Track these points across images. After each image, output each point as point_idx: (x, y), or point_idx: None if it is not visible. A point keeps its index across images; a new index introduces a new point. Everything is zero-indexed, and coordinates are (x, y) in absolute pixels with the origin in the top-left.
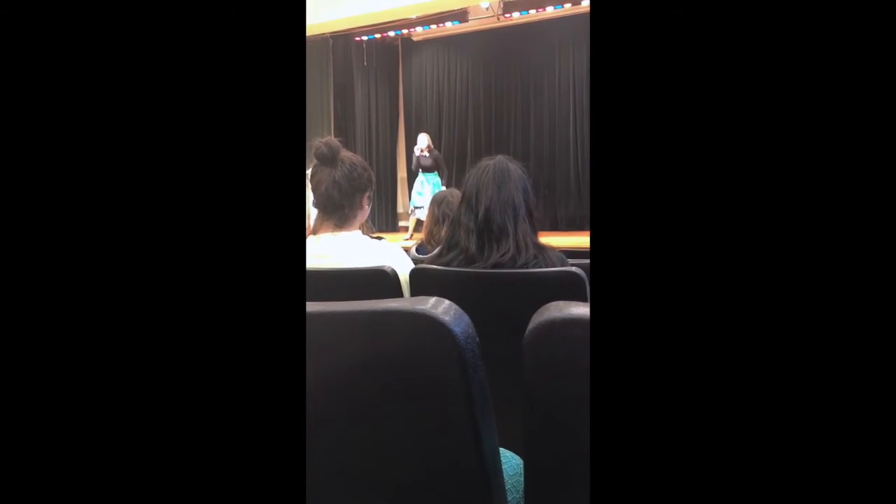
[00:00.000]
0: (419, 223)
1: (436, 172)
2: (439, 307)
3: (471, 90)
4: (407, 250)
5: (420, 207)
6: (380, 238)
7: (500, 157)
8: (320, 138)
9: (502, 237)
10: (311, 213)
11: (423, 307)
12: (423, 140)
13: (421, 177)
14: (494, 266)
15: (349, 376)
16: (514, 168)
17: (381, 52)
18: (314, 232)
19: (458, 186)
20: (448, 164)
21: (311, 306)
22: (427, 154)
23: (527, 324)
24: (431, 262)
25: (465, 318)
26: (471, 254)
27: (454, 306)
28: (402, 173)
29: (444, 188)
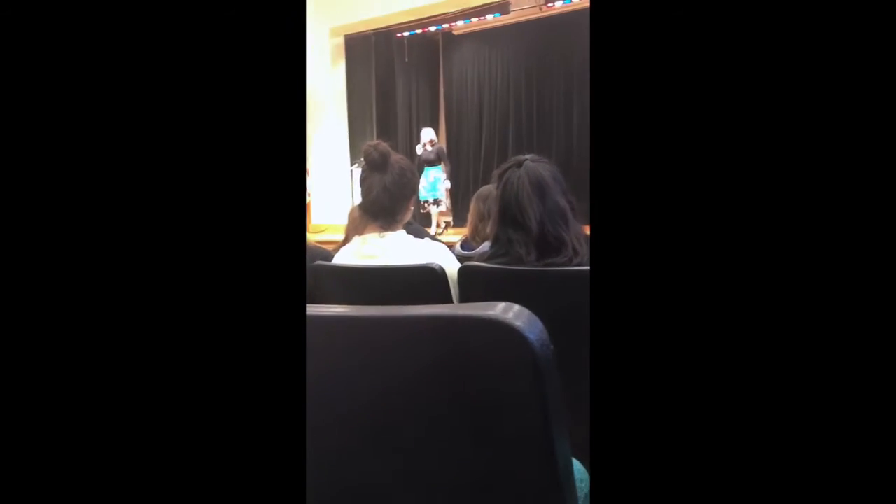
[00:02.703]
0: (437, 215)
1: (439, 166)
2: (509, 312)
3: (512, 83)
4: (451, 246)
5: (428, 201)
6: (435, 237)
7: (526, 164)
8: (370, 142)
9: (561, 247)
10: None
11: (492, 313)
12: (427, 135)
13: (426, 171)
14: (547, 265)
15: (413, 384)
16: (545, 169)
17: (422, 47)
18: (360, 232)
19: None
20: (489, 159)
21: (372, 310)
22: (430, 148)
23: (577, 322)
24: (480, 261)
25: (538, 323)
26: (529, 262)
27: (525, 311)
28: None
29: (447, 180)
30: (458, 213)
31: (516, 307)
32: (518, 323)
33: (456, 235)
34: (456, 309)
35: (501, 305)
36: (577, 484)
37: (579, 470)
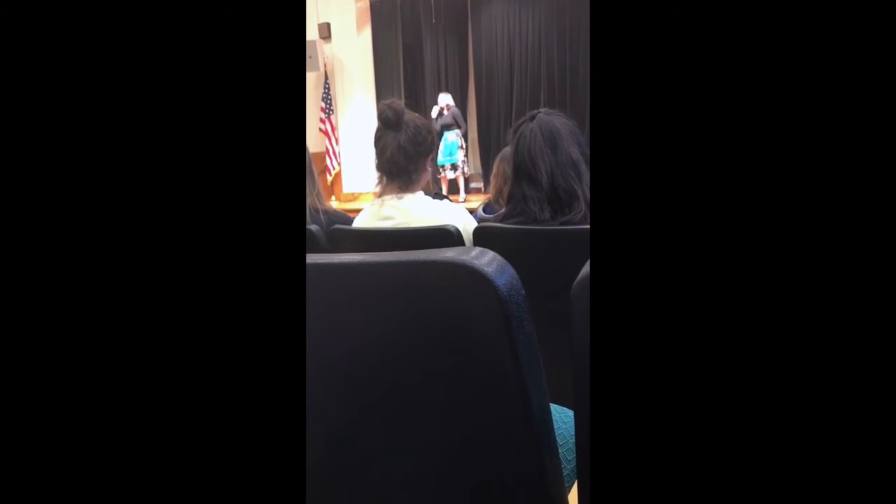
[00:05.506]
0: (451, 183)
1: (455, 129)
2: (483, 258)
3: (544, 42)
4: (473, 211)
5: (445, 166)
6: (445, 198)
7: (539, 116)
8: (384, 101)
9: (573, 200)
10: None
11: (465, 258)
12: (443, 100)
13: (444, 136)
14: (563, 224)
15: (389, 328)
16: (560, 122)
17: (450, 7)
18: (379, 195)
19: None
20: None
21: (351, 257)
22: (446, 112)
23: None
24: (496, 221)
25: (510, 270)
26: (543, 220)
27: (498, 258)
28: (472, 133)
29: (461, 141)
30: (488, 178)
31: (490, 254)
32: (487, 268)
33: (477, 202)
34: (431, 254)
35: (476, 251)
36: (568, 431)
37: (566, 415)
